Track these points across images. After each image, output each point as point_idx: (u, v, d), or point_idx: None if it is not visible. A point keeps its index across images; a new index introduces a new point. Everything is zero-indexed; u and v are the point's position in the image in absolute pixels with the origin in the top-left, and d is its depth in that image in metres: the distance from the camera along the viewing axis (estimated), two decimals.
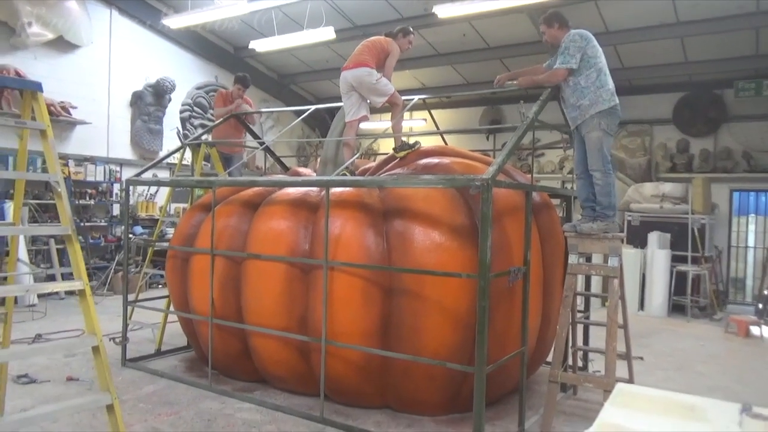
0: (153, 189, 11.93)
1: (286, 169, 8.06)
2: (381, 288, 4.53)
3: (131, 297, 6.54)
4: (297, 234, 4.91)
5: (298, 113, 11.16)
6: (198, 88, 13.34)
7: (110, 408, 3.29)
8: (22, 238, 8.50)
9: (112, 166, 11.28)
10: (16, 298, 4.56)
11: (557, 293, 5.42)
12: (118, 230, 11.26)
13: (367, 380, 4.75)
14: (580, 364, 5.97)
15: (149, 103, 12.00)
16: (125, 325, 6.23)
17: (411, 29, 6.02)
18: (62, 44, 10.40)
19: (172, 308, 6.33)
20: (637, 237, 10.50)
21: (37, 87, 3.46)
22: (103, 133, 11.23)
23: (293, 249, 4.88)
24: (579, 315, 5.65)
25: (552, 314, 5.43)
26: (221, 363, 5.60)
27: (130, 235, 9.13)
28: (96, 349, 3.28)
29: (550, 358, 5.92)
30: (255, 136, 8.28)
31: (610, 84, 4.85)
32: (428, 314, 4.38)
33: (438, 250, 4.36)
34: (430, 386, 4.63)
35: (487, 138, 14.64)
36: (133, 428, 4.41)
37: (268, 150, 7.99)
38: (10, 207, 8.82)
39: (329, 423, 4.63)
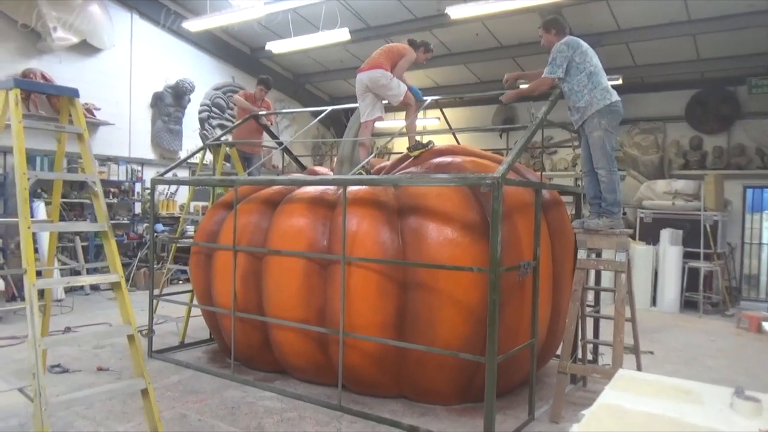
0: (173, 188, 12.23)
1: (302, 168, 8.29)
2: (396, 282, 4.74)
3: (155, 292, 6.82)
4: (315, 230, 5.14)
5: (315, 114, 11.35)
6: (216, 89, 13.62)
7: (144, 392, 3.54)
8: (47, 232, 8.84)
9: (134, 166, 11.58)
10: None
11: (567, 287, 5.59)
12: (140, 228, 11.58)
13: (382, 370, 4.96)
14: (590, 357, 6.14)
15: (169, 104, 12.30)
16: (151, 318, 6.51)
17: (432, 47, 6.23)
18: (86, 48, 10.73)
19: (195, 302, 6.60)
20: (650, 234, 10.60)
21: (74, 93, 3.71)
22: (125, 134, 11.56)
23: (312, 245, 5.11)
24: (589, 309, 5.82)
25: (562, 308, 5.60)
26: (243, 354, 5.84)
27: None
28: (131, 338, 3.52)
29: (560, 352, 6.11)
30: (273, 136, 8.52)
31: (604, 83, 5.01)
32: (441, 307, 4.59)
33: (451, 245, 4.56)
34: (443, 376, 4.83)
35: (501, 136, 14.78)
36: (162, 414, 4.66)
37: (286, 150, 8.22)
38: (38, 206, 9.12)
39: (347, 411, 4.86)
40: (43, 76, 9.95)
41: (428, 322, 4.64)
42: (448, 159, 5.45)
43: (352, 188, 5.17)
